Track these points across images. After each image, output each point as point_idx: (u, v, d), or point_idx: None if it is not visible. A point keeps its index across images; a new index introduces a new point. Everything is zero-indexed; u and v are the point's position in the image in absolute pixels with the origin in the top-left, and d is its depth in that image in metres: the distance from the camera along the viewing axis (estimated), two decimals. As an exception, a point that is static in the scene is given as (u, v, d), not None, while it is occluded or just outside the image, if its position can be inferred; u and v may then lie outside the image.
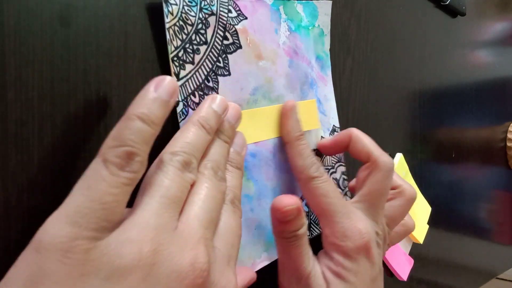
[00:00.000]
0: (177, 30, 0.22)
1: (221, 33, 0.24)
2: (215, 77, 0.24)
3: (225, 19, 0.25)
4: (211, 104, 0.22)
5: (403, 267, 0.41)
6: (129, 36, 0.21)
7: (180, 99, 0.22)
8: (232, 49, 0.25)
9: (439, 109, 0.47)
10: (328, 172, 0.32)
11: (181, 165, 0.19)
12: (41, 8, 0.18)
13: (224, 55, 0.25)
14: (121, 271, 0.15)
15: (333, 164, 0.33)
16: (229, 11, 0.25)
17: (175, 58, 0.22)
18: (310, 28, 0.31)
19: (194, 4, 0.23)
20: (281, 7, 0.29)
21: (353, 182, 0.34)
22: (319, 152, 0.31)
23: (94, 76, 0.20)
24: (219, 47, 0.24)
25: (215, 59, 0.24)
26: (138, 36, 0.21)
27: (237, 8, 0.26)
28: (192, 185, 0.20)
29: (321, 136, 0.32)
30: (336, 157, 0.33)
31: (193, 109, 0.23)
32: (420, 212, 0.45)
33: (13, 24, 0.17)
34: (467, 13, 0.49)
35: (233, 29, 0.25)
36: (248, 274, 0.24)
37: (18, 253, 0.15)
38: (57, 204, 0.15)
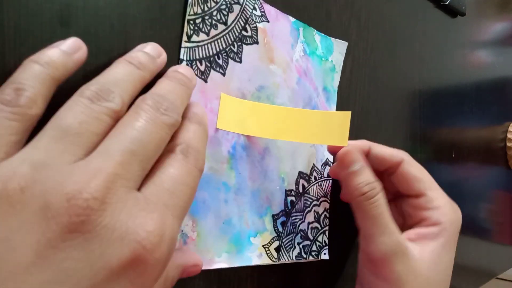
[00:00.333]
0: (201, 0, 0.22)
1: (242, 23, 0.25)
2: (226, 57, 0.24)
3: (249, 13, 0.25)
4: (141, 48, 0.20)
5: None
6: (129, 36, 0.21)
7: (185, 59, 0.22)
8: (248, 41, 0.25)
9: (439, 109, 0.47)
10: (310, 204, 0.31)
11: (92, 95, 0.16)
12: (41, 8, 0.18)
13: (240, 43, 0.25)
14: None
15: (318, 197, 0.32)
16: (254, 8, 0.25)
17: (191, 22, 0.22)
18: (323, 59, 0.31)
19: None
20: (301, 29, 0.29)
21: None
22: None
23: (94, 76, 0.20)
24: (237, 34, 0.25)
25: (230, 42, 0.24)
26: (138, 36, 0.21)
27: (262, 10, 0.26)
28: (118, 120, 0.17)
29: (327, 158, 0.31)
30: (323, 191, 0.32)
31: (196, 75, 0.23)
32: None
33: (13, 24, 0.17)
34: (467, 13, 0.48)
35: (254, 24, 0.25)
36: (193, 258, 0.21)
37: None
38: None
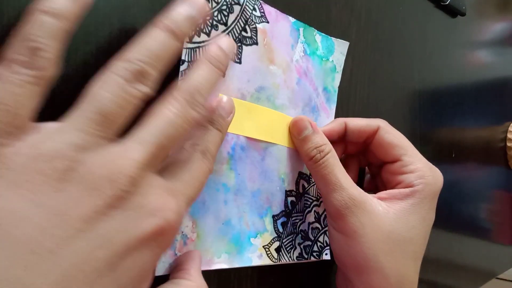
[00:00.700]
0: None
1: (242, 24, 0.25)
2: None
3: (249, 14, 0.25)
4: (182, 5, 0.19)
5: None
6: (129, 36, 0.21)
7: (186, 60, 0.22)
8: (248, 42, 0.25)
9: (439, 109, 0.47)
10: (310, 204, 0.31)
11: (132, 75, 0.17)
12: (41, 8, 0.18)
13: (239, 44, 0.25)
14: (30, 184, 0.14)
15: (318, 197, 0.32)
16: (254, 9, 0.26)
17: None
18: (323, 59, 0.31)
19: None
20: (301, 29, 0.29)
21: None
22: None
23: (94, 76, 0.20)
24: (236, 34, 0.25)
25: None
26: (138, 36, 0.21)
27: (262, 10, 0.26)
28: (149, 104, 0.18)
29: None
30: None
31: None
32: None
33: (13, 24, 0.17)
34: (467, 13, 0.48)
35: (254, 25, 0.25)
36: (196, 254, 0.23)
37: None
38: None
